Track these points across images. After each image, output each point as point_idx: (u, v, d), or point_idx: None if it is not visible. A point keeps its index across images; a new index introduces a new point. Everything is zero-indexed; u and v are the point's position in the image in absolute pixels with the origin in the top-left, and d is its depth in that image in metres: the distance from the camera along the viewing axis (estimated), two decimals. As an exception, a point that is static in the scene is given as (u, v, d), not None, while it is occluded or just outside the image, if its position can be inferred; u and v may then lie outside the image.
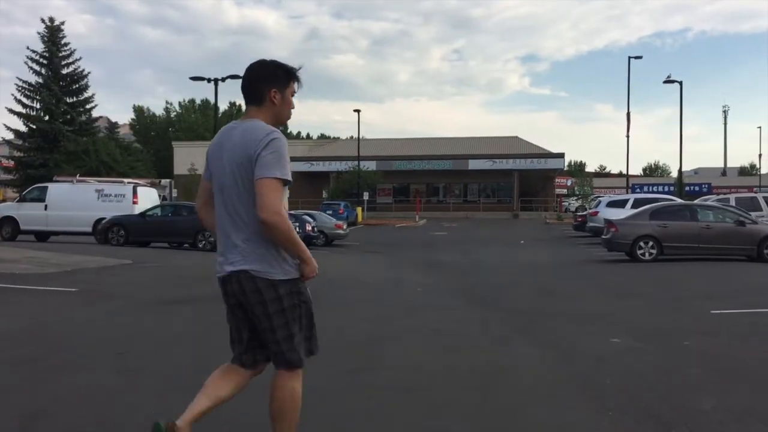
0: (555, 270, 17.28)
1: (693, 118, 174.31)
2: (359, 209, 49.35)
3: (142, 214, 23.21)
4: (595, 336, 7.83)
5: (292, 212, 31.07)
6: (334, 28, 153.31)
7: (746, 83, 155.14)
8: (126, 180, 27.60)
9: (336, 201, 47.37)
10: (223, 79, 32.31)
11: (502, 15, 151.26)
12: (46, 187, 25.87)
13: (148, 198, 25.88)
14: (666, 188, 61.64)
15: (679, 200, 24.49)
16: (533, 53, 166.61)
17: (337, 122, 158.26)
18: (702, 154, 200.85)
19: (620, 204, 28.12)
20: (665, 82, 38.75)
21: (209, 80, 32.26)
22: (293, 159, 58.70)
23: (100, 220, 23.66)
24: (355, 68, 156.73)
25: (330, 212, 42.55)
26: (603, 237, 19.66)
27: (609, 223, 19.30)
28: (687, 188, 56.25)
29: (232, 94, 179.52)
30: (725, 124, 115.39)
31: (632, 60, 44.01)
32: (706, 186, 67.79)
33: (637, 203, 27.11)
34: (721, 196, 25.13)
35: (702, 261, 17.79)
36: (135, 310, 9.35)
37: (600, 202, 30.13)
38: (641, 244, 18.37)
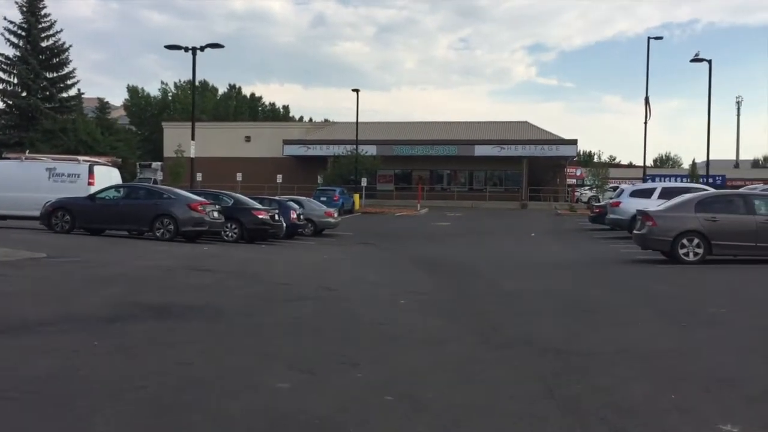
0: (581, 273, 13.90)
1: (703, 110, 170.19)
2: (357, 196, 45.95)
3: (92, 197, 19.87)
4: (694, 417, 4.46)
5: (275, 198, 27.76)
6: (340, 15, 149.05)
7: (756, 75, 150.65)
8: (81, 158, 24.23)
9: (331, 187, 43.97)
10: (202, 48, 28.93)
11: (509, 3, 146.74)
12: (-10, 165, 22.61)
13: (107, 179, 22.53)
14: (680, 179, 58.37)
15: (726, 190, 20.75)
16: (540, 43, 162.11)
17: (345, 109, 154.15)
18: (714, 145, 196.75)
19: (646, 193, 24.65)
20: (692, 60, 35.28)
21: (186, 49, 28.91)
22: (288, 142, 55.71)
23: (52, 203, 20.37)
24: (361, 55, 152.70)
25: (324, 199, 39.42)
26: (636, 232, 16.21)
27: (644, 215, 15.83)
28: (701, 180, 53.01)
29: (232, 76, 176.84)
30: (738, 115, 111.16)
31: (638, 52, 40.41)
32: (720, 178, 64.55)
33: (665, 193, 23.66)
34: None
35: (759, 264, 14.41)
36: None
37: (622, 191, 26.58)
38: (684, 241, 14.95)
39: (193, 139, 29.44)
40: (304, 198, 29.76)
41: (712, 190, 18.01)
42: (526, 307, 9.19)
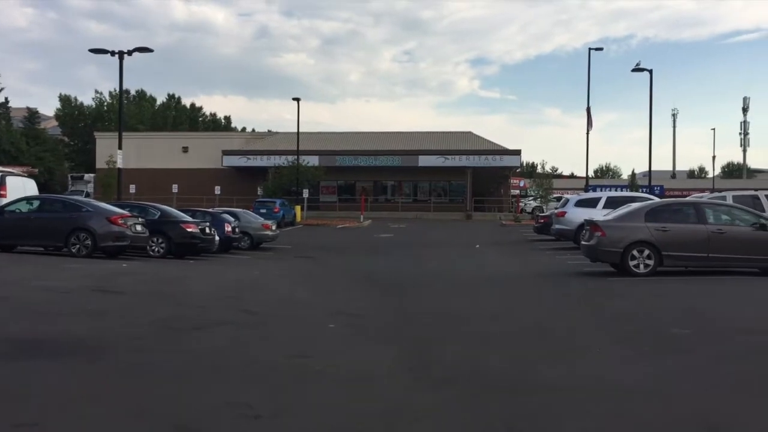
0: (530, 289, 13.01)
1: (640, 122, 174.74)
2: (298, 208, 44.59)
3: (1, 210, 18.12)
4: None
5: (209, 210, 26.26)
6: (284, 27, 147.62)
7: (690, 88, 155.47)
8: (-8, 168, 22.33)
9: (272, 199, 42.47)
10: (129, 53, 27.23)
11: (453, 17, 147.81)
12: None
13: (21, 190, 20.74)
14: (621, 190, 59.00)
15: (677, 199, 20.15)
16: (482, 56, 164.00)
17: (289, 121, 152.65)
18: (652, 156, 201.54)
19: (592, 203, 24.11)
20: (634, 70, 35.32)
21: (113, 53, 27.17)
22: (228, 152, 53.96)
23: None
24: (305, 67, 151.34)
25: (264, 211, 38.03)
26: (584, 243, 15.45)
27: (593, 225, 15.07)
28: (641, 190, 53.57)
29: (172, 86, 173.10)
30: (674, 127, 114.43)
31: (577, 66, 40.54)
32: (659, 188, 65.74)
33: (610, 202, 23.17)
34: (716, 194, 21.31)
35: (710, 275, 13.81)
36: None
37: (568, 201, 26.04)
38: (635, 252, 14.24)
39: (120, 148, 27.66)
40: (240, 210, 28.28)
41: (659, 199, 17.41)
42: (471, 329, 8.17)
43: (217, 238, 22.01)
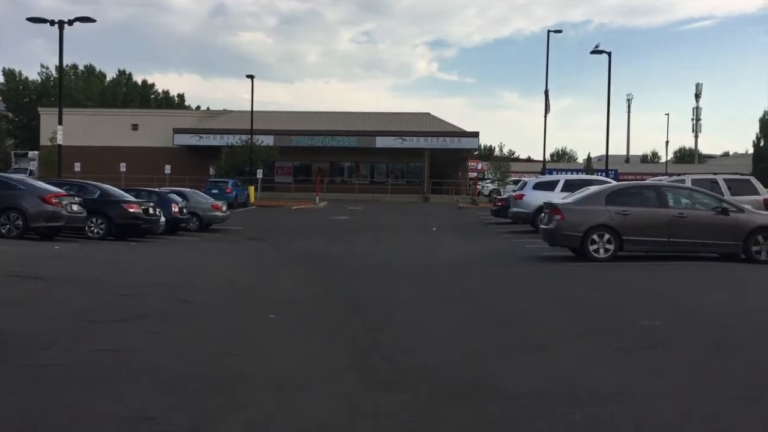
0: (487, 275, 12.41)
1: (594, 107, 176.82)
2: (252, 188, 43.40)
3: (-75, 189, 16.77)
4: None
5: (155, 190, 25.06)
6: (241, 5, 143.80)
7: (644, 74, 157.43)
8: None
9: (224, 179, 41.21)
10: (70, 22, 25.68)
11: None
12: None
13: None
14: (577, 173, 59.29)
15: (638, 181, 19.55)
16: (441, 39, 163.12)
17: (245, 101, 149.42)
18: (604, 142, 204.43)
19: (550, 186, 23.71)
20: (593, 52, 34.91)
21: (52, 23, 25.62)
22: (179, 131, 52.29)
23: None
24: (263, 47, 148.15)
25: (216, 191, 36.98)
26: (543, 226, 14.93)
27: (552, 208, 14.54)
28: (597, 174, 53.83)
29: (125, 63, 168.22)
30: (629, 113, 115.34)
31: (534, 50, 40.23)
32: (613, 172, 66.43)
33: (568, 185, 22.82)
34: (675, 178, 21.06)
35: (671, 259, 13.43)
36: None
37: (525, 183, 25.60)
38: (595, 236, 13.77)
39: (60, 123, 26.18)
40: (189, 190, 27.15)
41: (615, 182, 16.88)
42: (425, 322, 7.49)
43: (162, 218, 20.98)
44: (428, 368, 5.30)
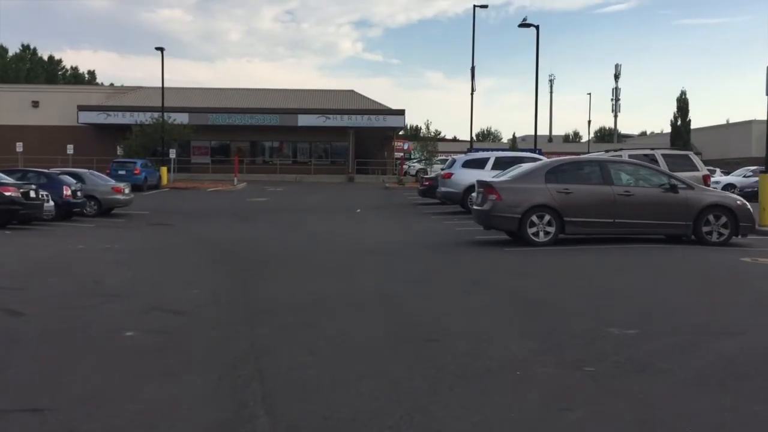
0: (415, 264, 10.72)
1: (517, 87, 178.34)
2: (164, 169, 40.50)
3: None
4: None
5: (45, 171, 22.26)
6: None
7: (568, 56, 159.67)
8: None
9: (132, 159, 38.17)
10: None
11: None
12: None
13: None
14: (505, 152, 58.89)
15: (580, 156, 17.83)
16: (366, 18, 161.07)
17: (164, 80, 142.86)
18: (527, 122, 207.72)
19: (480, 164, 22.33)
20: (521, 25, 33.86)
21: None
22: (84, 108, 48.49)
23: None
24: (182, 24, 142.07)
25: (123, 172, 34.29)
26: (477, 207, 13.36)
27: (487, 187, 12.97)
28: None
29: (35, 38, 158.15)
30: (551, 93, 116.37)
31: (458, 30, 38.99)
32: (538, 151, 66.43)
33: (499, 163, 21.53)
34: (613, 153, 19.92)
35: (616, 242, 12.14)
36: None
37: (454, 161, 24.11)
38: (534, 218, 12.32)
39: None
40: (86, 171, 24.41)
41: (572, 157, 15.31)
42: (336, 334, 5.73)
43: (51, 203, 18.49)
44: (332, 413, 3.55)
